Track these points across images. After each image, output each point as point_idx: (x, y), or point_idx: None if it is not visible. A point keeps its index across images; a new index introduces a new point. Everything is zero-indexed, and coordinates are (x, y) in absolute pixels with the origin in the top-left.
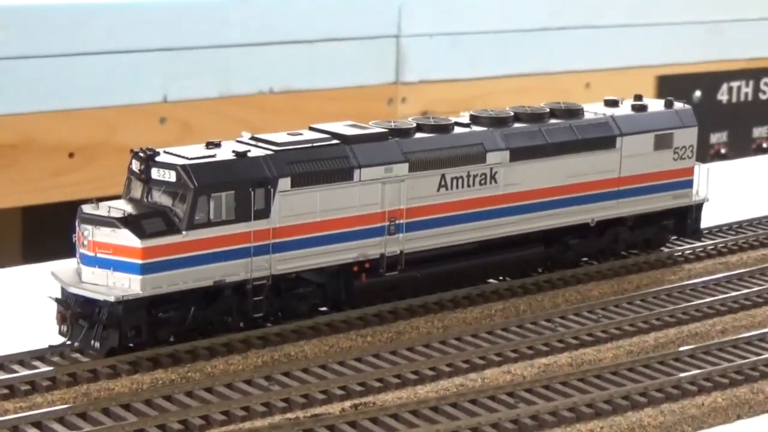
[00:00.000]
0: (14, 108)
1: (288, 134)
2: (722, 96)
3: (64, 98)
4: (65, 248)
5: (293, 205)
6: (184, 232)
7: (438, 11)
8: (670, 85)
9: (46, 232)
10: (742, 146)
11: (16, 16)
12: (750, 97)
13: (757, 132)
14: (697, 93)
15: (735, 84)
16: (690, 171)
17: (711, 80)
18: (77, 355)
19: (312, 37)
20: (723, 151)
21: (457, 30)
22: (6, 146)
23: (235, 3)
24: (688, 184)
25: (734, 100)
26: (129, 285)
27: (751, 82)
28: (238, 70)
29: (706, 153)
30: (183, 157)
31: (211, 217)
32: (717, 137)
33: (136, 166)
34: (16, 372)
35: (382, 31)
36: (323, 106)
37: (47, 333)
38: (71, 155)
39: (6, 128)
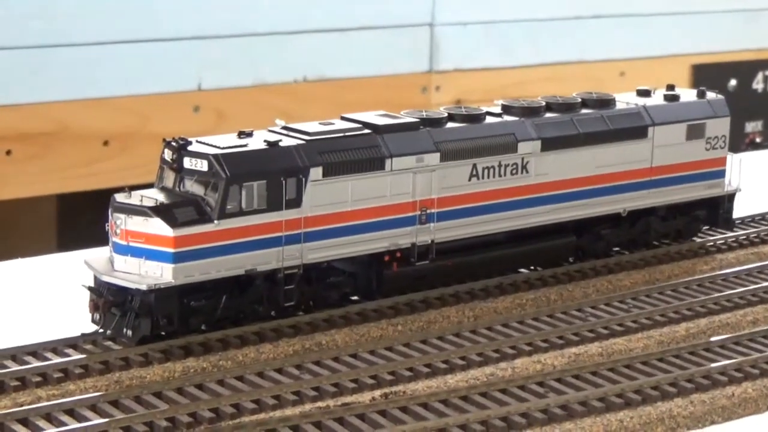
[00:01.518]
0: (49, 96)
1: (319, 124)
2: (758, 84)
3: (99, 86)
4: (100, 235)
5: (324, 195)
6: (215, 221)
7: None
8: (706, 74)
9: (81, 219)
10: None
11: (50, 5)
12: None
13: None
14: (733, 82)
15: None
16: (722, 161)
17: (746, 69)
18: (109, 343)
19: (346, 26)
20: (758, 139)
21: (492, 18)
22: (41, 134)
23: None
24: (721, 174)
25: None
26: (161, 273)
27: None
28: (271, 59)
29: (741, 142)
30: (215, 147)
31: (243, 206)
32: (752, 126)
33: (168, 155)
34: (49, 359)
35: (416, 19)
36: (357, 95)
37: (80, 321)
38: (106, 143)
39: (41, 116)
